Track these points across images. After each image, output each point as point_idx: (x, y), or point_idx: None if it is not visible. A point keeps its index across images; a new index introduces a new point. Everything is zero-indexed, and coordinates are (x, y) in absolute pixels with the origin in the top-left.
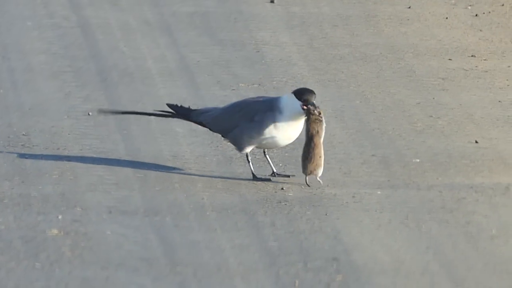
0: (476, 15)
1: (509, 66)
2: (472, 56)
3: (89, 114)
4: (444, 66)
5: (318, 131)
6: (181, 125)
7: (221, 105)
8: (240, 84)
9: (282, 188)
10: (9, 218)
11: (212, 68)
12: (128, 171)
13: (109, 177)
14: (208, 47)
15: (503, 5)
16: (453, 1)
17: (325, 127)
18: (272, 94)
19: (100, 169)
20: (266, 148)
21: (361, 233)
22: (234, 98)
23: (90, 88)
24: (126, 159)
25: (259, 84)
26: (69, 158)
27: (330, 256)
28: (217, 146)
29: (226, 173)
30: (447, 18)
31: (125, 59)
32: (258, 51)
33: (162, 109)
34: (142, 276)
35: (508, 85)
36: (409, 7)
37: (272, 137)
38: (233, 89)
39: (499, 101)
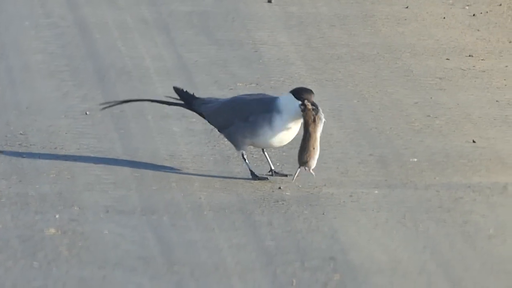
0: (474, 15)
1: (506, 66)
2: (469, 56)
3: (86, 114)
4: (441, 66)
5: (313, 122)
6: (178, 125)
7: (225, 97)
8: (238, 84)
9: (280, 188)
10: (6, 217)
11: (209, 68)
12: (125, 170)
13: (106, 177)
14: (206, 47)
15: (500, 5)
16: (450, 1)
17: (324, 122)
18: (269, 94)
19: (97, 168)
20: (260, 147)
21: (358, 232)
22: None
23: (88, 87)
24: (123, 159)
25: (257, 84)
26: (66, 157)
27: (327, 255)
28: (214, 146)
29: (223, 173)
30: (444, 18)
31: (123, 58)
32: (256, 51)
33: (160, 109)
34: (139, 276)
35: (505, 85)
36: (407, 7)
37: (266, 139)
38: (231, 89)
39: (497, 101)
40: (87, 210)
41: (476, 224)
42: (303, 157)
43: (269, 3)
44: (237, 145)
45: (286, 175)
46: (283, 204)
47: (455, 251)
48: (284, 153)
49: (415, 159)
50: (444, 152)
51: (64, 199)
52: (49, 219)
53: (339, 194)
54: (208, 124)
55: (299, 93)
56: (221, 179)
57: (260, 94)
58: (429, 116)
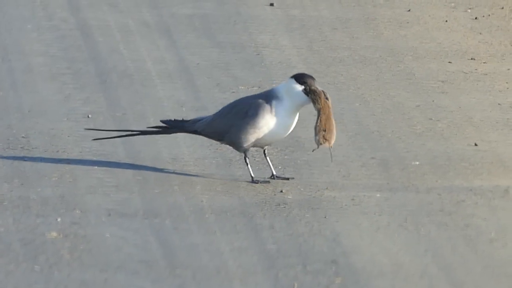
0: (476, 18)
1: (508, 69)
2: (471, 59)
3: (88, 117)
4: (443, 69)
5: (326, 100)
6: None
7: (212, 110)
8: (240, 87)
9: (281, 191)
10: (8, 221)
11: (211, 71)
12: (127, 173)
13: (108, 180)
14: (207, 49)
15: (502, 8)
16: (452, 4)
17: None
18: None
19: (99, 171)
20: (265, 143)
21: (360, 236)
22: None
23: (90, 90)
24: (125, 162)
25: (259, 87)
26: (68, 161)
27: (329, 258)
28: (217, 149)
29: (225, 176)
30: (446, 21)
31: (125, 61)
32: (258, 54)
33: (162, 112)
34: (142, 279)
35: (507, 88)
36: (409, 10)
37: (269, 129)
38: (233, 92)
39: (499, 104)
40: (89, 213)
41: (477, 228)
42: (321, 135)
43: (271, 6)
44: (241, 145)
45: (288, 179)
46: (284, 207)
47: (457, 255)
48: (286, 156)
49: (417, 162)
50: (446, 155)
51: (66, 203)
52: (51, 222)
53: (341, 198)
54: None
55: (301, 78)
56: (223, 182)
57: (252, 95)
58: (431, 119)
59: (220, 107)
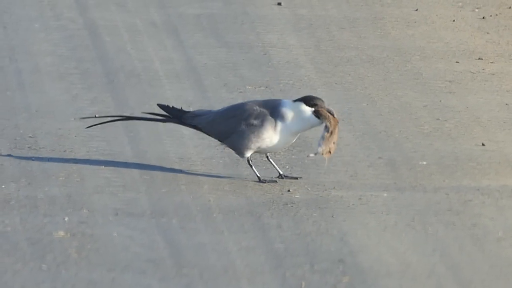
0: (483, 17)
1: None
2: (479, 58)
3: (95, 116)
4: (451, 68)
5: (334, 119)
6: (187, 127)
7: (217, 108)
8: (247, 87)
9: (289, 190)
10: (16, 220)
11: (219, 70)
12: (134, 173)
13: (115, 179)
14: (215, 49)
15: (510, 7)
16: (460, 4)
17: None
18: (279, 96)
19: (106, 171)
20: (265, 152)
21: (367, 235)
22: (241, 100)
23: (97, 90)
24: (132, 161)
25: (266, 87)
26: (75, 160)
27: (336, 258)
28: (224, 148)
29: (232, 175)
30: (454, 20)
31: (132, 61)
32: (265, 54)
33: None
34: (149, 278)
35: None
36: (416, 10)
37: (272, 141)
38: (240, 92)
39: (506, 104)
40: (96, 213)
41: (485, 227)
42: (330, 150)
43: (279, 6)
44: (242, 151)
45: (296, 178)
46: (292, 206)
47: (464, 254)
48: (293, 156)
49: (424, 162)
50: (453, 155)
51: (73, 202)
52: (58, 222)
53: (348, 197)
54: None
55: (311, 101)
56: (230, 181)
57: (257, 100)
58: (438, 119)
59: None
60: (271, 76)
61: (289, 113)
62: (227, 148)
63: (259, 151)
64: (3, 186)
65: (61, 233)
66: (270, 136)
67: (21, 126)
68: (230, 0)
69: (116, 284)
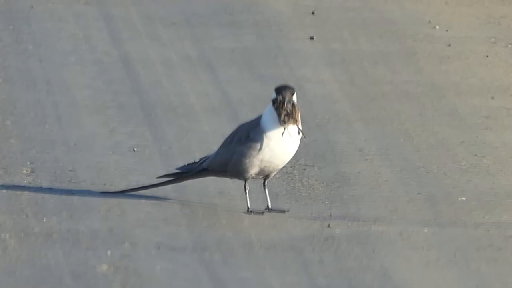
0: None
1: None
2: None
3: (134, 150)
4: (486, 104)
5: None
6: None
7: None
8: None
9: (329, 225)
10: (59, 254)
11: (254, 104)
12: (175, 207)
13: (156, 213)
14: (250, 83)
15: None
16: (492, 40)
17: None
18: (315, 132)
19: (147, 204)
20: (271, 167)
21: (409, 271)
22: None
23: (134, 124)
24: (172, 195)
25: (302, 122)
26: (116, 194)
27: None
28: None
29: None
30: (487, 56)
31: (168, 95)
32: (300, 88)
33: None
34: None
35: None
36: (449, 45)
37: (271, 150)
38: None
39: None
40: (139, 247)
41: None
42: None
43: (311, 40)
44: (246, 171)
45: (284, 211)
46: (333, 242)
47: None
48: (332, 192)
49: (464, 198)
50: (492, 191)
51: (115, 236)
52: (101, 255)
53: (389, 232)
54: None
55: (276, 90)
56: (270, 216)
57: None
58: (476, 155)
59: None
60: (307, 110)
61: (268, 118)
62: (270, 180)
63: (265, 170)
64: (44, 220)
65: (104, 267)
66: (268, 144)
67: (60, 159)
68: (263, 34)
69: None
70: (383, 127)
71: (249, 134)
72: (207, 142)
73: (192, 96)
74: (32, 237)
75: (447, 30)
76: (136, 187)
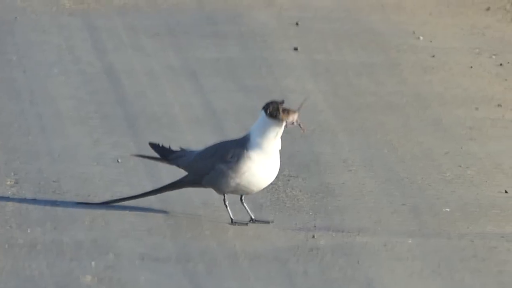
0: (501, 64)
1: None
2: (498, 105)
3: (118, 161)
4: (471, 115)
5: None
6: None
7: (200, 148)
8: None
9: (313, 236)
10: (43, 265)
11: (238, 115)
12: (159, 217)
13: (140, 224)
14: (234, 94)
15: None
16: (477, 50)
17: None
18: (299, 143)
19: (131, 215)
20: (245, 191)
21: (393, 281)
22: None
23: (118, 134)
24: (156, 206)
25: (287, 132)
26: (100, 205)
27: None
28: (246, 194)
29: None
30: (471, 67)
31: (152, 105)
32: (284, 98)
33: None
34: None
35: None
36: (433, 56)
37: (251, 175)
38: None
39: None
40: (123, 257)
41: (511, 274)
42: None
43: (296, 51)
44: (220, 189)
45: (268, 222)
46: (317, 252)
47: None
48: (316, 202)
49: (448, 209)
50: (477, 202)
51: (100, 246)
52: (85, 266)
53: (373, 243)
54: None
55: (266, 106)
56: (255, 227)
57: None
58: (460, 166)
59: None
60: None
61: (257, 134)
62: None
63: (241, 190)
64: (28, 231)
65: (89, 277)
66: (249, 168)
67: (44, 170)
68: (247, 45)
69: None
70: (367, 138)
71: (233, 154)
72: None
73: (176, 107)
74: (16, 248)
75: (431, 41)
76: (115, 199)
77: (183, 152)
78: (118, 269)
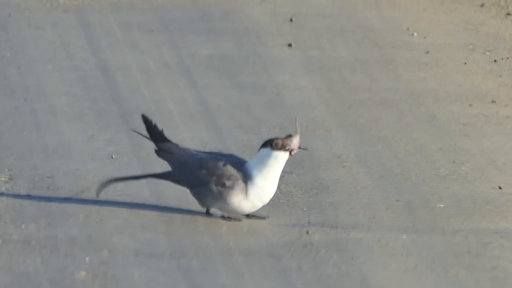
0: (495, 60)
1: None
2: (492, 101)
3: (112, 157)
4: (465, 111)
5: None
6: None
7: (207, 148)
8: (262, 128)
9: (308, 232)
10: (37, 260)
11: (233, 112)
12: (153, 214)
13: (134, 220)
14: (228, 90)
15: None
16: (471, 47)
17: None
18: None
19: (125, 211)
20: (228, 213)
21: (388, 277)
22: (256, 143)
23: (113, 131)
24: (150, 202)
25: (281, 128)
26: (94, 201)
27: None
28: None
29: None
30: (465, 63)
31: (146, 102)
32: (278, 95)
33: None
34: None
35: None
36: (427, 52)
37: (240, 206)
38: (255, 133)
39: None
40: (117, 253)
41: (505, 270)
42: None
43: (290, 47)
44: (206, 205)
45: (264, 218)
46: (311, 248)
47: None
48: (310, 198)
49: (442, 205)
50: (471, 198)
51: (94, 242)
52: (80, 262)
53: (367, 239)
54: None
55: (268, 142)
56: (249, 223)
57: (232, 156)
58: (454, 162)
59: (243, 149)
60: (286, 117)
61: (255, 169)
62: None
63: (225, 211)
64: (22, 226)
65: (83, 273)
66: (239, 201)
67: (38, 166)
68: (241, 41)
69: None
70: (362, 134)
71: (229, 182)
72: None
73: (170, 103)
74: (10, 244)
75: (425, 37)
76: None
77: (175, 147)
78: (112, 265)
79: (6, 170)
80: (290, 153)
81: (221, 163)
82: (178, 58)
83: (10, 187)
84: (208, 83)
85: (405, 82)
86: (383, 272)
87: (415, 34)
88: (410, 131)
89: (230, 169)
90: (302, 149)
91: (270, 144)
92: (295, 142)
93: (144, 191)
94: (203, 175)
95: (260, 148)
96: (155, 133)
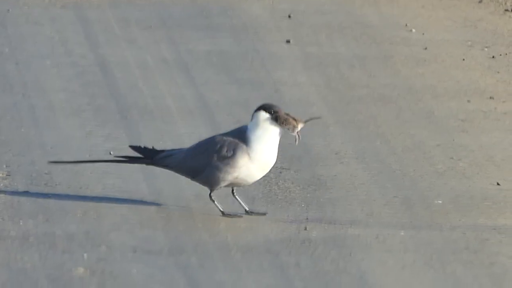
0: (493, 56)
1: None
2: (490, 98)
3: (110, 153)
4: (463, 107)
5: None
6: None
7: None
8: None
9: (306, 228)
10: (34, 257)
11: (231, 107)
12: (151, 210)
13: (132, 216)
14: (226, 86)
15: None
16: (469, 43)
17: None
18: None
19: (123, 208)
20: (241, 184)
21: (385, 274)
22: None
23: (111, 127)
24: (148, 199)
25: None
26: (92, 197)
27: None
28: (239, 187)
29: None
30: (464, 59)
31: (144, 97)
32: (276, 91)
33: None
34: None
35: None
36: (426, 48)
37: (248, 168)
38: None
39: None
40: (115, 250)
41: (503, 266)
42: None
43: (288, 43)
44: (217, 185)
45: (264, 214)
46: (309, 245)
47: None
48: (308, 195)
49: (440, 201)
50: (469, 194)
51: (92, 239)
52: (77, 258)
53: (365, 235)
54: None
55: (269, 108)
56: (247, 219)
57: (229, 131)
58: (452, 158)
59: None
60: None
61: (254, 127)
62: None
63: (236, 183)
64: (20, 223)
65: (81, 270)
66: (246, 162)
67: (36, 162)
68: (240, 37)
69: None
70: (360, 130)
71: (230, 150)
72: (183, 144)
73: (168, 99)
74: (8, 240)
75: (423, 34)
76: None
77: (169, 152)
78: (110, 261)
79: (4, 166)
80: (287, 128)
81: (217, 139)
82: (176, 54)
83: (8, 184)
84: (206, 79)
85: (403, 78)
86: (381, 268)
87: (414, 30)
88: (408, 127)
89: (228, 139)
90: (297, 136)
91: (268, 109)
92: (296, 125)
93: (142, 187)
94: (205, 157)
95: (257, 111)
96: (149, 153)
